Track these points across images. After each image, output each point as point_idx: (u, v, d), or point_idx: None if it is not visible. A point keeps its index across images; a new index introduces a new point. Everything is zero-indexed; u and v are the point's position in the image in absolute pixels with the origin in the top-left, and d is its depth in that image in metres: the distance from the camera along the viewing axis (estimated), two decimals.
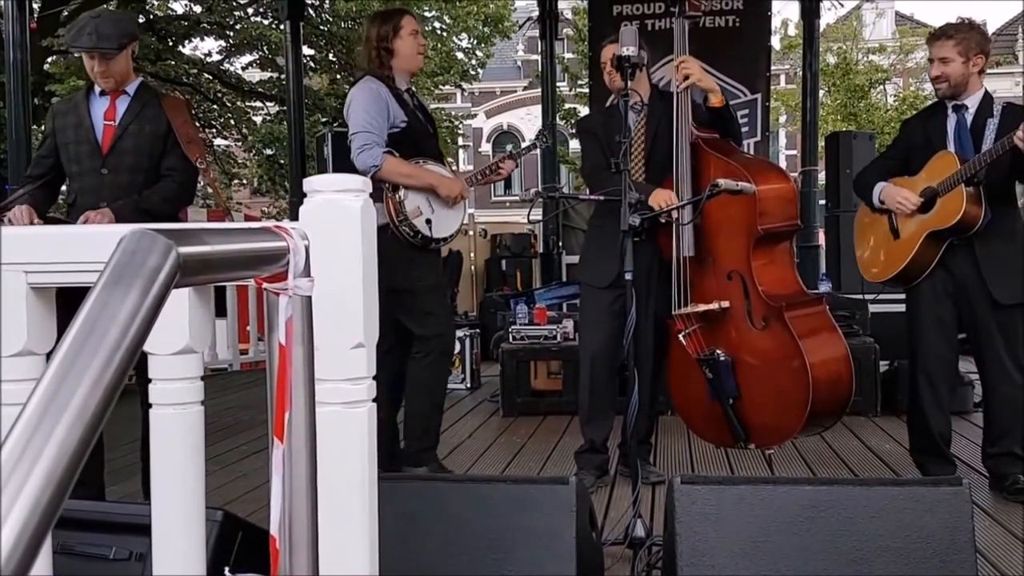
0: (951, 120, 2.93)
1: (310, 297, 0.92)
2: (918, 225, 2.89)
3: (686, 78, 2.86)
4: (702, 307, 2.83)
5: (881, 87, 19.25)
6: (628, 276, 2.45)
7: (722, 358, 2.80)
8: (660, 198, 2.81)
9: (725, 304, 2.80)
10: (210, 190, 3.18)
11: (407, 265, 2.98)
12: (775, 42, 15.71)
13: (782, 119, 19.11)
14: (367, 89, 3.01)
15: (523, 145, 3.49)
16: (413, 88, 3.23)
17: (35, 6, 9.46)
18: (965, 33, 2.90)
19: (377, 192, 2.91)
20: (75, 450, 0.47)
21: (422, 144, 3.10)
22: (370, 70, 3.08)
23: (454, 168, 3.46)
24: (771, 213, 2.78)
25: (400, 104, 3.03)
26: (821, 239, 6.57)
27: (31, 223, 2.63)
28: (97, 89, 2.82)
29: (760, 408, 2.77)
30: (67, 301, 0.93)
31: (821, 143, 6.99)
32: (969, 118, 2.91)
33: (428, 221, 3.01)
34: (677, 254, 2.87)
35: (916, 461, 3.06)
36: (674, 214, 2.82)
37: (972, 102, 2.91)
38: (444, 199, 3.03)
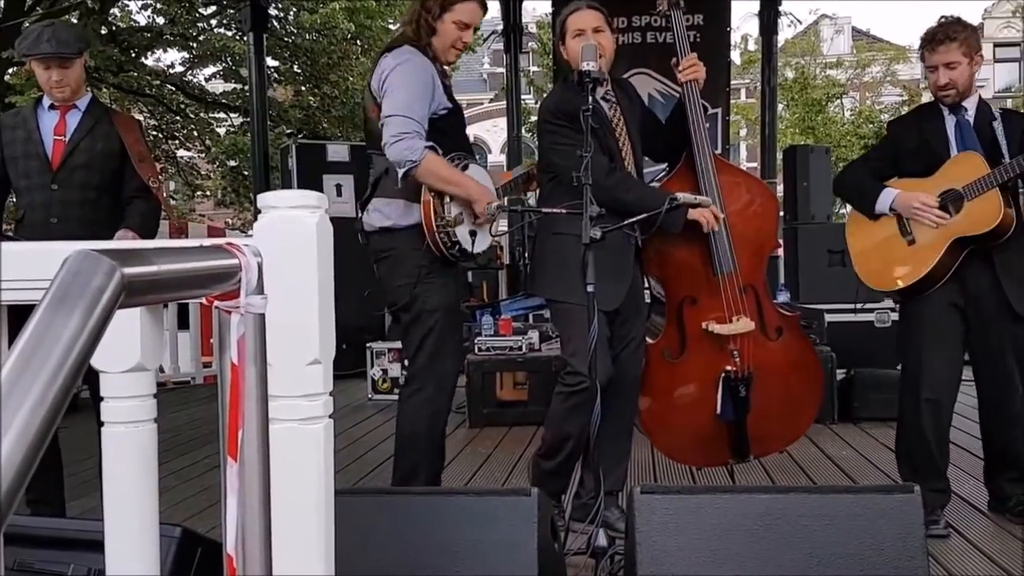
0: (950, 121, 2.68)
1: (263, 315, 0.92)
2: (940, 230, 2.60)
3: (694, 73, 2.77)
4: (750, 323, 2.66)
5: (838, 101, 19.67)
6: (590, 288, 2.29)
7: (752, 374, 2.68)
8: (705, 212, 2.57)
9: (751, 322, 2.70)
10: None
11: (417, 279, 2.49)
12: (735, 57, 15.99)
13: (742, 132, 19.43)
14: (412, 60, 2.46)
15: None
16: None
17: None
18: (967, 32, 2.63)
19: (415, 190, 2.44)
20: (17, 471, 0.48)
21: (460, 136, 2.65)
22: (407, 38, 2.55)
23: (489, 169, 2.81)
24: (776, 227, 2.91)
25: (444, 85, 2.56)
26: (779, 250, 6.69)
27: None
28: (46, 103, 2.78)
29: (768, 417, 2.73)
30: (21, 320, 0.93)
31: (780, 156, 7.13)
32: (970, 119, 2.67)
33: (473, 232, 2.52)
34: (714, 268, 2.69)
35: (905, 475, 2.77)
36: (713, 225, 2.60)
37: (971, 103, 2.68)
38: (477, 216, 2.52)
